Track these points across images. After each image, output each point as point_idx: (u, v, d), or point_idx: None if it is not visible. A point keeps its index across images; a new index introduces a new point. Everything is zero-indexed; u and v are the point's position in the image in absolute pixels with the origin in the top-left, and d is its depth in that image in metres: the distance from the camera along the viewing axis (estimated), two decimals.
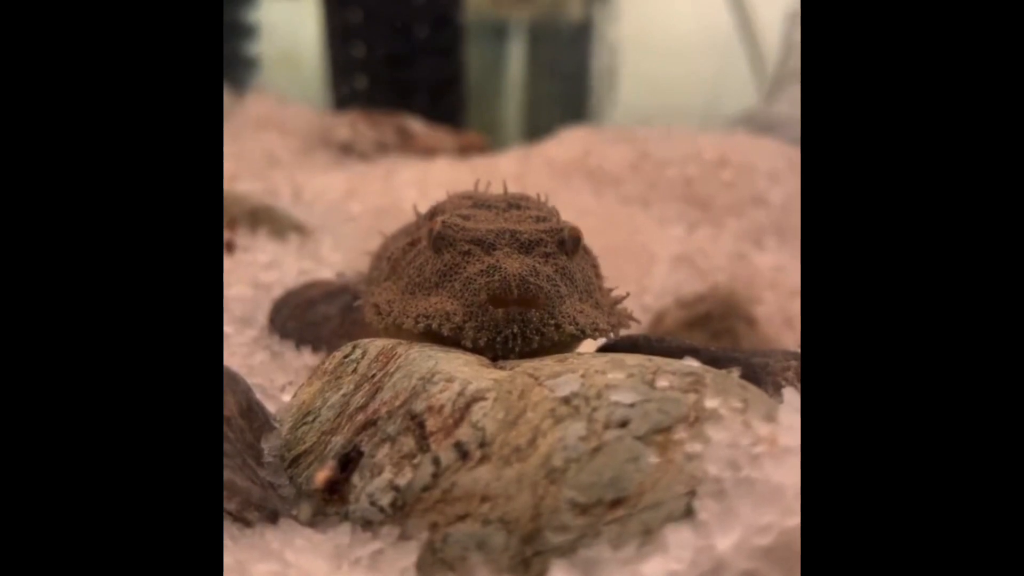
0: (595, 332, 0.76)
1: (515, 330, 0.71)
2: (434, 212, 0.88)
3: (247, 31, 3.27)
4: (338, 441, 0.66)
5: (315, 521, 0.62)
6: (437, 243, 0.77)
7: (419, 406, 0.63)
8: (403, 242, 0.87)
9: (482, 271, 0.73)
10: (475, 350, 0.71)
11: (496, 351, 0.71)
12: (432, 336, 0.74)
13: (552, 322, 0.72)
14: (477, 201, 0.86)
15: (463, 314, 0.72)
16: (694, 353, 0.75)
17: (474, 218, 0.80)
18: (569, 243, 0.78)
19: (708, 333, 1.22)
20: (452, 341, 0.73)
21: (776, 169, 1.72)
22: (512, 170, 1.73)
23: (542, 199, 0.89)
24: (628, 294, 0.86)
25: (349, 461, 0.64)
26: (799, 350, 0.80)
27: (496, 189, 0.92)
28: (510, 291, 0.71)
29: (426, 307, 0.75)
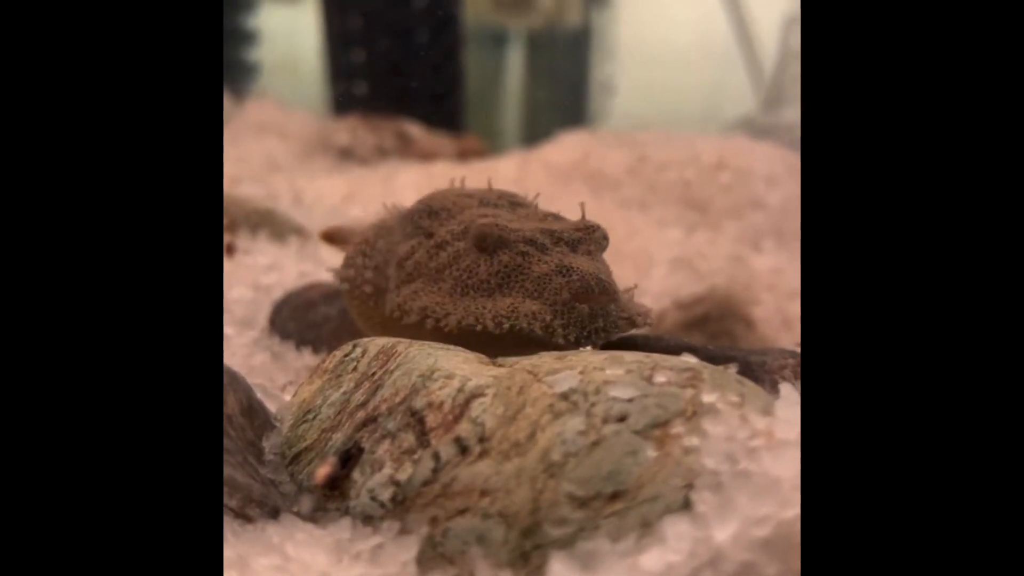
0: (645, 321, 0.81)
1: (600, 324, 0.76)
2: (431, 209, 0.88)
3: (247, 37, 3.28)
4: (339, 438, 0.67)
5: (316, 516, 0.63)
6: (488, 244, 0.80)
7: (419, 402, 0.64)
8: (406, 244, 0.87)
9: (555, 270, 0.77)
10: (564, 346, 0.75)
11: (581, 345, 0.75)
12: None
13: (624, 315, 0.78)
14: (481, 199, 0.88)
15: (550, 313, 0.75)
16: (692, 351, 0.75)
17: (501, 218, 0.83)
18: (605, 242, 0.84)
19: (706, 334, 1.22)
20: (539, 341, 0.75)
21: (773, 173, 1.73)
22: (511, 174, 1.74)
23: (525, 196, 0.93)
24: (636, 285, 0.90)
25: (349, 457, 0.64)
26: (797, 350, 0.80)
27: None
28: (592, 289, 0.76)
29: (502, 308, 0.77)
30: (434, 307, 0.80)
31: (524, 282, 0.78)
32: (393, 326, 0.83)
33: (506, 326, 0.76)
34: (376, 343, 0.75)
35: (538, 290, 0.77)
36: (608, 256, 0.96)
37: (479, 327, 0.77)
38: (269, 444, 0.72)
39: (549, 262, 0.78)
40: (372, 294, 0.90)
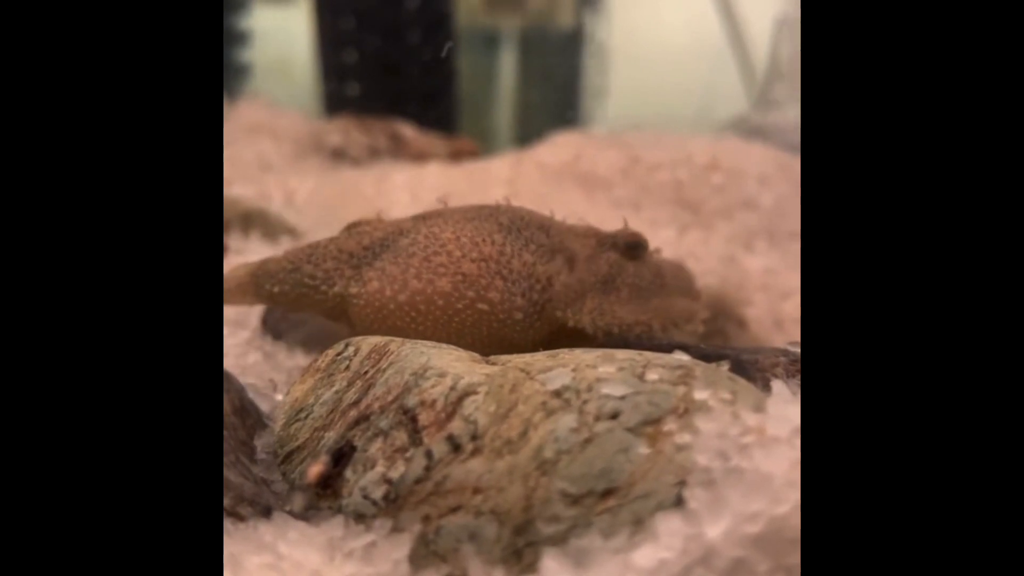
0: None
1: None
2: (538, 224, 0.87)
3: (239, 38, 3.27)
4: (331, 436, 0.67)
5: (308, 515, 0.63)
6: (638, 251, 0.86)
7: (411, 401, 0.64)
8: (550, 263, 0.84)
9: (678, 265, 0.90)
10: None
11: None
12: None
13: None
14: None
15: (701, 308, 0.88)
16: (684, 350, 0.75)
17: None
18: None
19: (699, 334, 1.22)
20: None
21: (766, 173, 1.73)
22: (504, 174, 1.73)
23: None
24: None
25: (342, 456, 0.64)
26: (789, 348, 0.81)
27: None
28: None
29: (686, 309, 0.86)
30: (635, 317, 0.84)
31: (669, 280, 0.86)
32: (563, 341, 0.81)
33: (701, 329, 0.86)
34: (368, 342, 0.74)
35: (686, 288, 0.87)
36: None
37: (692, 328, 0.85)
38: (261, 443, 0.72)
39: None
40: (522, 319, 0.83)
